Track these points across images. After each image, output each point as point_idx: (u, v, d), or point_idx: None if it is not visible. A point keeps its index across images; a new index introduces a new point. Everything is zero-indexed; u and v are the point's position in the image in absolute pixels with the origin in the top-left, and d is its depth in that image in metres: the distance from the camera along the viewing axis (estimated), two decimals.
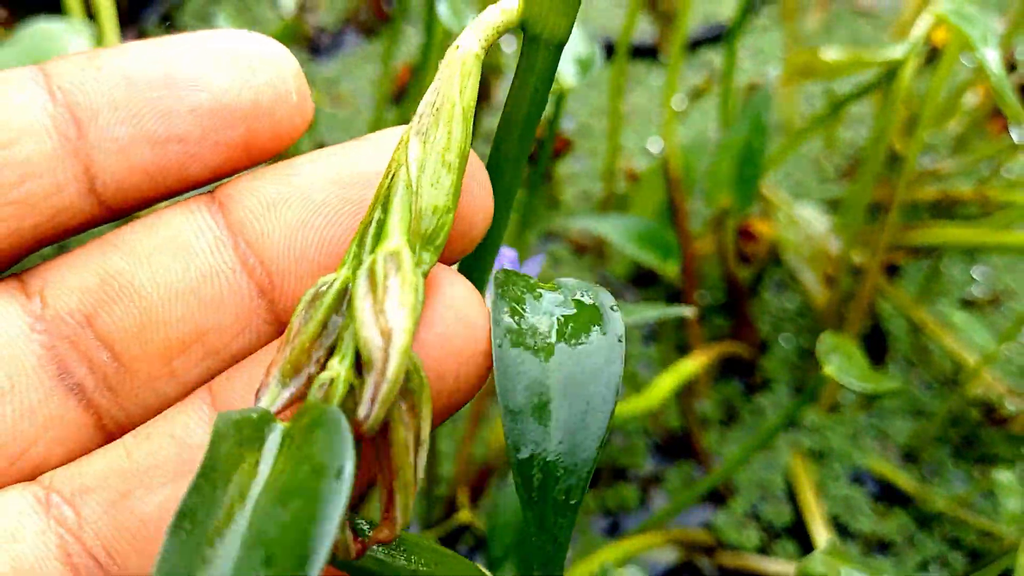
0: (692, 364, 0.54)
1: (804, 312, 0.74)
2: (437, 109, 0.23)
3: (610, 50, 0.90)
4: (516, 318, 0.23)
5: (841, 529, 0.65)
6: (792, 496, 0.66)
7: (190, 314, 0.24)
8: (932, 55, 0.72)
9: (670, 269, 0.56)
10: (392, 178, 0.23)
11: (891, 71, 0.59)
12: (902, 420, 0.69)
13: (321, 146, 0.76)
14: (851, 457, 0.68)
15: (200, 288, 0.24)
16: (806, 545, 0.64)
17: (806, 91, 0.92)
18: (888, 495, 0.66)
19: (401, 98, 0.75)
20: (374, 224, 0.22)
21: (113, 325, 0.24)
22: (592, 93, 0.91)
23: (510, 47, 0.88)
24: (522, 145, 0.26)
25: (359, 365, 0.20)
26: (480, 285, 0.29)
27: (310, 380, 0.21)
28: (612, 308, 0.24)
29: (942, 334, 0.68)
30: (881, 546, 0.65)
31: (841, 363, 0.48)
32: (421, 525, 0.59)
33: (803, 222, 0.65)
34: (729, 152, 0.58)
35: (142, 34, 0.90)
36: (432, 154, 0.23)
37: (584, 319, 0.24)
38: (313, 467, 0.18)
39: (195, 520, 0.18)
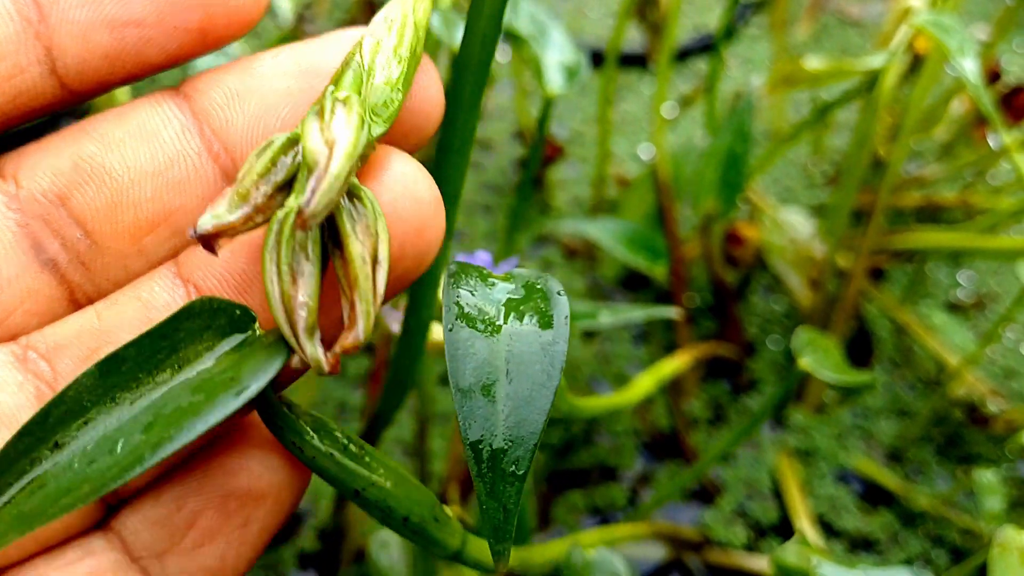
0: (674, 363, 0.55)
1: (791, 315, 0.75)
2: (391, 20, 0.26)
3: (601, 59, 0.91)
4: (467, 304, 0.25)
5: (826, 527, 0.66)
6: (779, 494, 0.67)
7: (158, 195, 0.25)
8: (916, 63, 0.73)
9: (659, 271, 0.58)
10: (345, 65, 0.25)
11: (872, 80, 0.60)
12: (887, 420, 0.71)
13: None
14: (837, 457, 0.69)
15: (167, 171, 0.25)
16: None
17: (795, 100, 0.94)
18: (873, 494, 0.68)
19: None
20: (326, 97, 0.24)
21: (86, 205, 0.25)
22: (584, 101, 0.93)
23: (505, 57, 0.89)
24: (474, 88, 0.28)
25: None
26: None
27: (257, 210, 0.22)
28: (559, 293, 0.25)
29: (926, 336, 0.70)
30: (866, 544, 0.66)
31: (816, 357, 0.49)
32: None
33: (788, 226, 0.66)
34: (714, 158, 0.60)
35: None
36: (384, 50, 0.25)
37: (532, 302, 0.25)
38: (232, 377, 0.20)
39: (121, 368, 0.21)
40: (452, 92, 0.28)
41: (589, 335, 0.74)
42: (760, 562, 0.64)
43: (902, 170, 0.79)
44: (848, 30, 1.02)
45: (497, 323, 0.24)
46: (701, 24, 0.99)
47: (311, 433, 0.23)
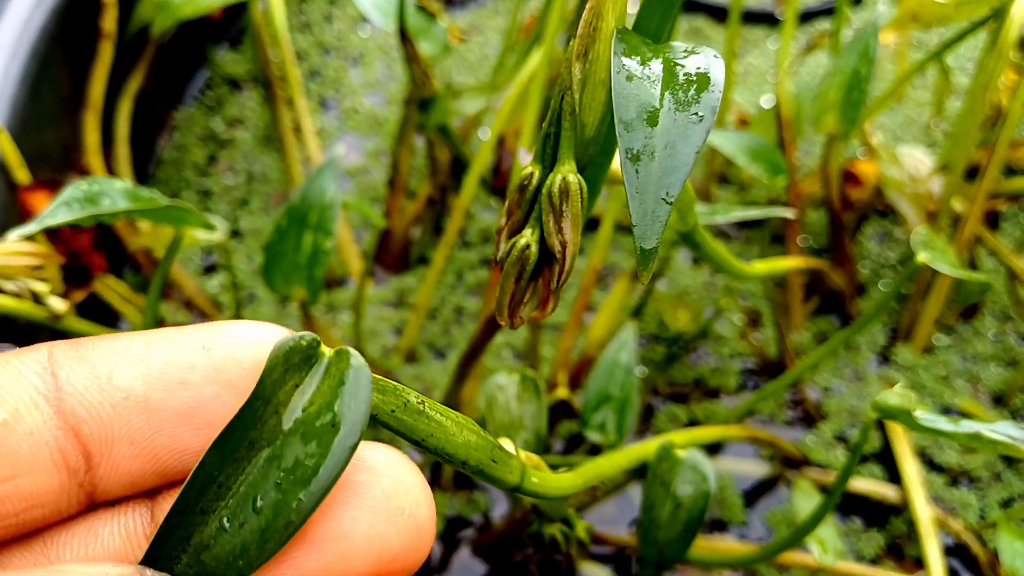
0: (788, 262, 0.57)
1: (904, 261, 0.76)
2: (595, 29, 0.28)
3: (726, 14, 0.93)
4: (632, 60, 0.27)
5: (927, 461, 0.67)
6: (881, 425, 0.68)
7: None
8: None
9: (779, 184, 0.60)
10: (562, 99, 0.28)
11: (999, 10, 0.61)
12: (995, 367, 0.71)
13: (449, 87, 0.78)
14: (942, 396, 0.69)
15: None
16: (892, 470, 0.66)
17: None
18: None
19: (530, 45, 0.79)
20: (552, 137, 0.29)
21: None
22: None
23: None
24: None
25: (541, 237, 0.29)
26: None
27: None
28: (715, 56, 0.28)
29: None
30: (967, 480, 0.66)
31: (934, 254, 0.51)
32: None
33: (907, 158, 0.68)
34: (837, 78, 0.61)
35: None
36: (590, 74, 0.28)
37: (689, 58, 0.28)
38: (331, 422, 0.22)
39: (234, 435, 0.22)
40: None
41: (697, 261, 0.76)
42: (860, 484, 0.65)
43: (1019, 132, 0.79)
44: None
45: (656, 73, 0.27)
46: None
47: (376, 394, 0.24)
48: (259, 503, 0.22)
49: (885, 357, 0.72)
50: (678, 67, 0.27)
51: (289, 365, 0.23)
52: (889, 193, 0.68)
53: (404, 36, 0.64)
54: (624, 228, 0.77)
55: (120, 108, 0.73)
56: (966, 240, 0.67)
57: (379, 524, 0.22)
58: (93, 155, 0.68)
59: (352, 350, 0.24)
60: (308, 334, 0.23)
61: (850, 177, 0.74)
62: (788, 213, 0.55)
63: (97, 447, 0.23)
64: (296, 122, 0.80)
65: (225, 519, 0.22)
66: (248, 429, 0.22)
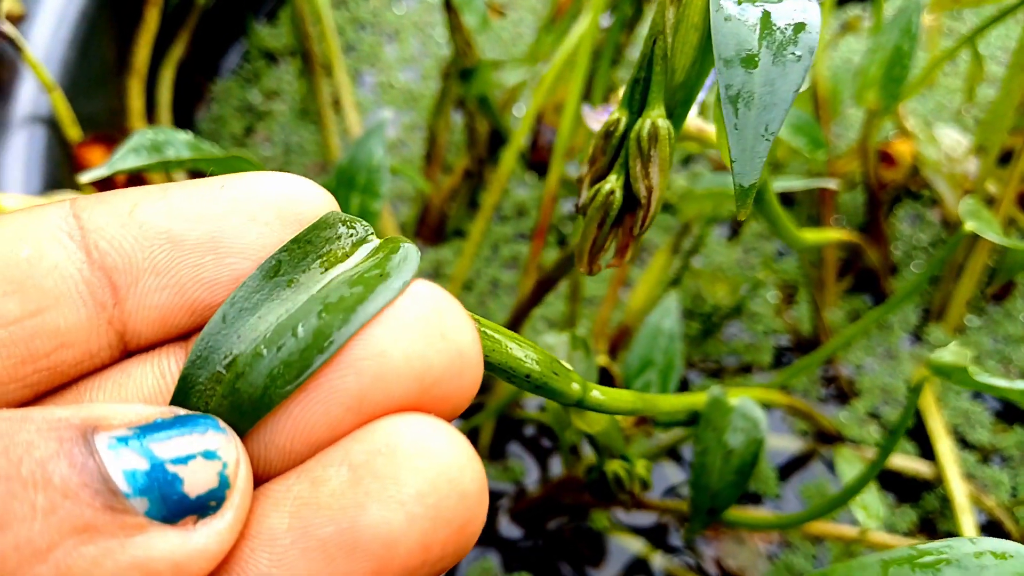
0: (836, 233, 0.58)
1: (936, 244, 0.76)
2: None
3: None
4: (729, 2, 0.28)
5: (959, 438, 0.67)
6: None
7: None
8: None
9: (819, 157, 0.60)
10: (654, 43, 0.29)
11: None
12: None
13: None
14: None
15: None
16: (925, 447, 0.66)
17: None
18: (1008, 413, 0.69)
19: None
20: (641, 83, 0.30)
21: None
22: None
23: None
24: None
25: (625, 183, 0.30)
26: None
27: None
28: (810, 0, 0.29)
29: None
30: (999, 458, 0.67)
31: (981, 223, 0.51)
32: None
33: (943, 138, 0.68)
34: (878, 54, 0.61)
35: None
36: (683, 18, 0.29)
37: (783, 3, 0.28)
38: (380, 273, 0.22)
39: (279, 270, 0.23)
40: None
41: (734, 234, 0.77)
42: (894, 459, 0.65)
43: None
44: None
45: (755, 22, 0.28)
46: None
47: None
48: (299, 331, 0.21)
49: (917, 336, 0.72)
50: (774, 9, 0.28)
51: (342, 233, 0.24)
52: (926, 172, 0.69)
53: (449, 6, 0.65)
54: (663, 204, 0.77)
55: (163, 75, 0.74)
56: (1000, 221, 0.68)
57: (416, 343, 0.22)
58: (137, 120, 0.69)
59: (401, 237, 0.24)
60: (361, 220, 0.24)
61: (884, 158, 0.74)
62: (831, 183, 0.55)
63: (122, 279, 0.23)
64: (334, 95, 0.81)
65: (263, 346, 0.21)
66: (295, 269, 0.23)
